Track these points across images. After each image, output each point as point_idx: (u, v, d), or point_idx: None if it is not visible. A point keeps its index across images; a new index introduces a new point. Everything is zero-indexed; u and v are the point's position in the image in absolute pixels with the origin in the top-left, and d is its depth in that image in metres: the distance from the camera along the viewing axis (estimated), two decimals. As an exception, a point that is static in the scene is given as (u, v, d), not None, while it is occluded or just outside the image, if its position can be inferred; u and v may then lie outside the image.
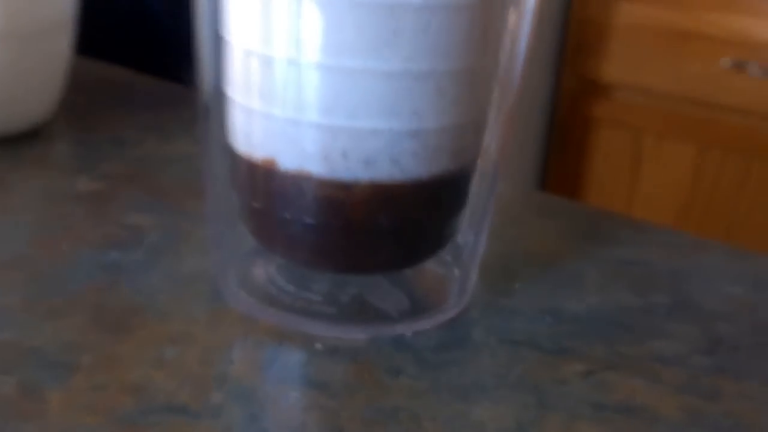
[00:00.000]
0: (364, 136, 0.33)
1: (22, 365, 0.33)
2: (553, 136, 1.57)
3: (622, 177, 1.50)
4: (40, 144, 0.56)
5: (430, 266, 0.41)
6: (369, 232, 0.35)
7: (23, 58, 0.55)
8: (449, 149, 0.35)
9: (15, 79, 0.55)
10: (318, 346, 0.35)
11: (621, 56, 1.46)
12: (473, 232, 0.38)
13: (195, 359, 0.34)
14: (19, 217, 0.45)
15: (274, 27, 0.32)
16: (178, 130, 0.60)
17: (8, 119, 0.56)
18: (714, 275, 0.44)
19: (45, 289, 0.38)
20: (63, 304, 0.37)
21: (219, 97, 0.36)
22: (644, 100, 1.46)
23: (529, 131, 1.56)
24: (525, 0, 0.35)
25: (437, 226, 0.37)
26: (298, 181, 0.34)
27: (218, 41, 0.35)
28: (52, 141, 0.57)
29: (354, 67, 0.32)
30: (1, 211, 0.46)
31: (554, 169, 1.59)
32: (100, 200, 0.48)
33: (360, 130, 0.33)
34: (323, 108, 0.33)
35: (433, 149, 0.34)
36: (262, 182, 0.35)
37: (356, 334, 0.36)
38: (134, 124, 0.61)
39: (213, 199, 0.38)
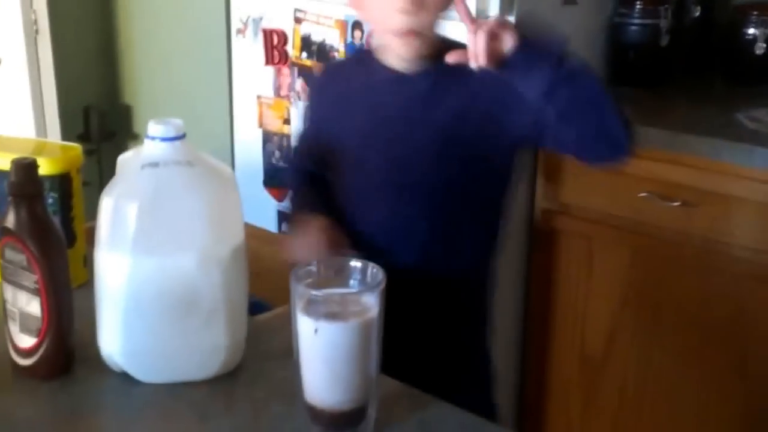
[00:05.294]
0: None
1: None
2: (531, 240, 2.21)
3: (580, 269, 2.14)
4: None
5: None
6: None
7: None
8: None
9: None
10: None
11: (575, 185, 2.10)
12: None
13: None
14: None
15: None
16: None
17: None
18: None
19: None
20: None
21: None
22: (594, 216, 2.09)
23: (515, 237, 2.19)
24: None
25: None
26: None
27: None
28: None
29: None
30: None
31: (534, 261, 2.22)
32: None
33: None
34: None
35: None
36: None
37: None
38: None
39: None
